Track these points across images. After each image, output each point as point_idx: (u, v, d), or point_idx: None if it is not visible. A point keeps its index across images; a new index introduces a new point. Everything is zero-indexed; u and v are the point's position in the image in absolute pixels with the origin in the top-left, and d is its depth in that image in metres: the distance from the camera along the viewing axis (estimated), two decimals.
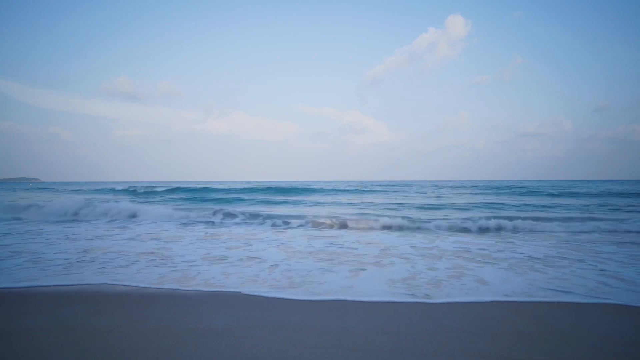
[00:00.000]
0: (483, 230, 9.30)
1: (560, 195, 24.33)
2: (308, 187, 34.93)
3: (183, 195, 24.69)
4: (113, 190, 30.00)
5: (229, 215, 11.61)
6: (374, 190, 31.08)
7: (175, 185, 34.12)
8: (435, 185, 45.23)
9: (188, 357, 2.34)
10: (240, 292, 3.88)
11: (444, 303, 3.52)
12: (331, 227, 9.74)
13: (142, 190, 28.52)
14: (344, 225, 9.89)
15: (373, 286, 4.12)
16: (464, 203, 17.97)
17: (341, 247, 6.67)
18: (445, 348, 2.49)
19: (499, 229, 9.37)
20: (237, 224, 10.44)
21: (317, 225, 9.94)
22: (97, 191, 31.34)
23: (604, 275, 4.65)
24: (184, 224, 10.39)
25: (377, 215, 11.28)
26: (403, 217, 10.55)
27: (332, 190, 30.81)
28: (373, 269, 4.95)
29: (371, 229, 9.53)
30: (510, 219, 10.11)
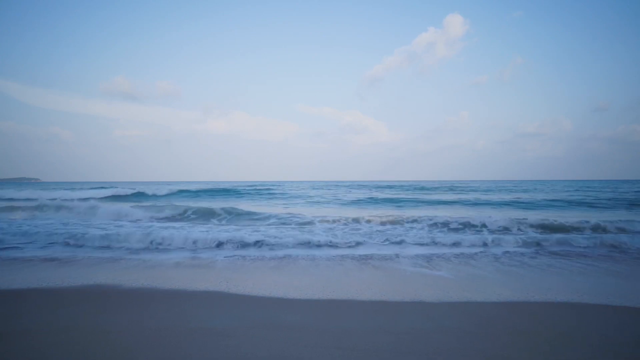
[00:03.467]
0: None
1: None
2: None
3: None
4: None
5: None
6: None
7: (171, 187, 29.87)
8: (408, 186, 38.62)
9: (188, 357, 2.34)
10: (241, 292, 3.89)
11: (443, 303, 3.53)
12: None
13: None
14: None
15: None
16: None
17: None
18: (445, 348, 2.50)
19: None
20: None
21: None
22: None
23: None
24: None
25: None
26: None
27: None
28: None
29: None
30: None
